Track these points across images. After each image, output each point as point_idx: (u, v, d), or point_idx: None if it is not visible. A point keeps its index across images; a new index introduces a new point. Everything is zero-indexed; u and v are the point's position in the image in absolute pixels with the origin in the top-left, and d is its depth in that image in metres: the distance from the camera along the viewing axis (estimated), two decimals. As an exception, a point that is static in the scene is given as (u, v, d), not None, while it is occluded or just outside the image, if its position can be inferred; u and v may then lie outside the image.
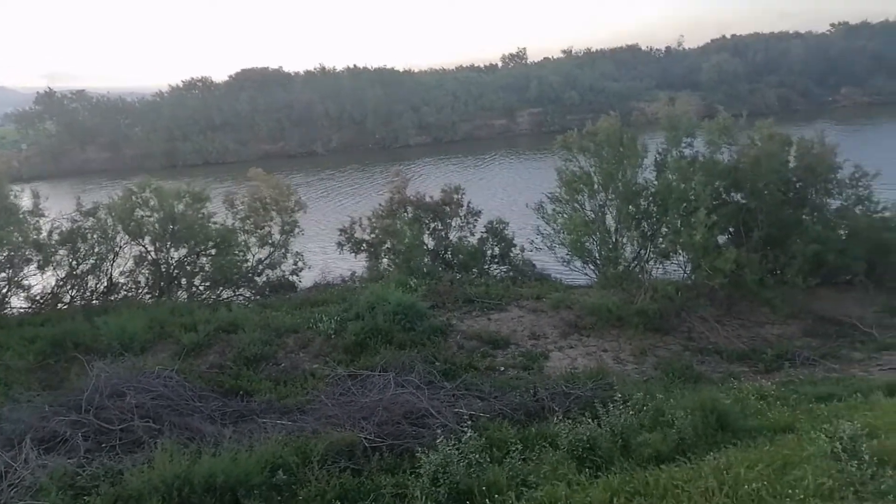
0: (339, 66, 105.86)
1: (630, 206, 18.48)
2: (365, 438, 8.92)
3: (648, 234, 18.79)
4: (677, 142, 18.79)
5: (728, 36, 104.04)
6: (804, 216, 18.88)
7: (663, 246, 18.41)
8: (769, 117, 20.52)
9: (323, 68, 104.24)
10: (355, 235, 23.72)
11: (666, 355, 15.38)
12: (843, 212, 19.43)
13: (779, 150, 18.55)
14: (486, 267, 23.30)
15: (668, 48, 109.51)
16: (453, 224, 23.94)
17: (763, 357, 15.02)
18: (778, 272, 17.89)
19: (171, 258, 20.74)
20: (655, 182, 18.71)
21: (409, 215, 23.55)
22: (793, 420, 9.12)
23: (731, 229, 19.14)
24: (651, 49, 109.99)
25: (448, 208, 23.88)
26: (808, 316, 17.93)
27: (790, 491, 6.24)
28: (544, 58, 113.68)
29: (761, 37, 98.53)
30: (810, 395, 10.96)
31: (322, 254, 29.91)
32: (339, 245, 23.87)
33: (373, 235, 23.44)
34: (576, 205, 19.13)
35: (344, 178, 65.86)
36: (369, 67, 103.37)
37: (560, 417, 9.43)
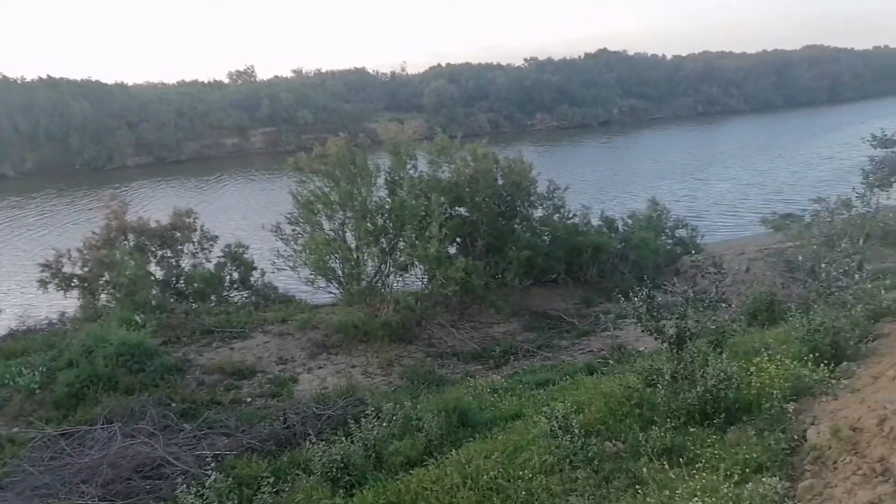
0: (30, 76, 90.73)
1: (368, 224, 19.08)
2: (86, 505, 7.71)
3: (387, 249, 19.59)
4: (402, 163, 19.97)
5: (444, 64, 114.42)
6: (516, 225, 21.50)
7: (402, 260, 19.35)
8: (483, 138, 22.99)
9: (5, 77, 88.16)
10: (63, 270, 20.44)
11: (411, 363, 16.16)
12: (545, 220, 22.62)
13: (491, 167, 20.86)
14: (226, 294, 21.98)
15: (393, 73, 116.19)
16: (185, 250, 22.12)
17: (493, 354, 16.65)
18: (499, 276, 20.05)
19: None
20: (389, 200, 19.63)
21: (131, 244, 21.14)
22: (520, 407, 10.26)
23: (458, 240, 20.97)
24: (377, 73, 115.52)
25: (179, 234, 22.00)
26: (526, 313, 20.42)
27: (521, 472, 7.01)
28: (275, 76, 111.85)
29: (472, 67, 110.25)
30: (532, 382, 12.46)
31: (18, 294, 25.25)
32: (43, 283, 20.33)
33: (86, 269, 20.46)
34: (315, 225, 19.12)
35: (35, 206, 55.89)
36: (70, 79, 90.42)
37: (313, 441, 9.26)
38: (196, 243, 22.13)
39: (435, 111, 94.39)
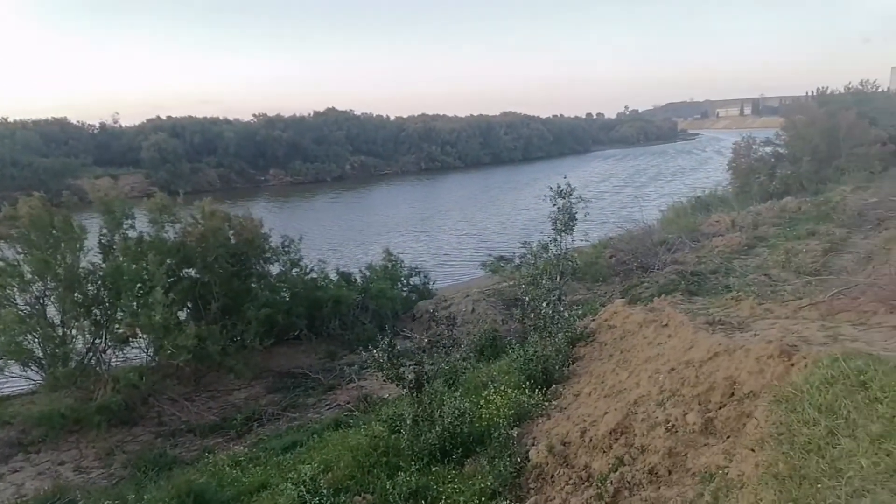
0: None
1: (76, 294, 16.63)
2: None
3: (102, 321, 17.24)
4: (118, 223, 18.00)
5: (164, 117, 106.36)
6: (253, 284, 20.68)
7: (121, 331, 17.20)
8: (213, 195, 21.86)
9: None
10: None
11: (137, 448, 14.28)
12: (284, 276, 22.18)
13: (221, 225, 19.89)
14: None
15: (102, 124, 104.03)
16: None
17: (234, 423, 15.56)
18: (238, 338, 18.98)
19: None
20: (104, 265, 17.42)
21: None
22: (266, 477, 9.71)
23: (189, 304, 19.41)
24: (84, 124, 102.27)
25: None
26: (269, 374, 19.59)
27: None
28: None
29: (196, 120, 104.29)
30: (278, 448, 11.91)
31: None
32: None
33: None
34: (4, 300, 16.03)
35: None
36: None
37: (5, 567, 7.56)
38: None
39: (156, 166, 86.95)
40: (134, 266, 17.00)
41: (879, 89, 50.02)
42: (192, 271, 19.64)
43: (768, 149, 40.53)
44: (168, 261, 18.00)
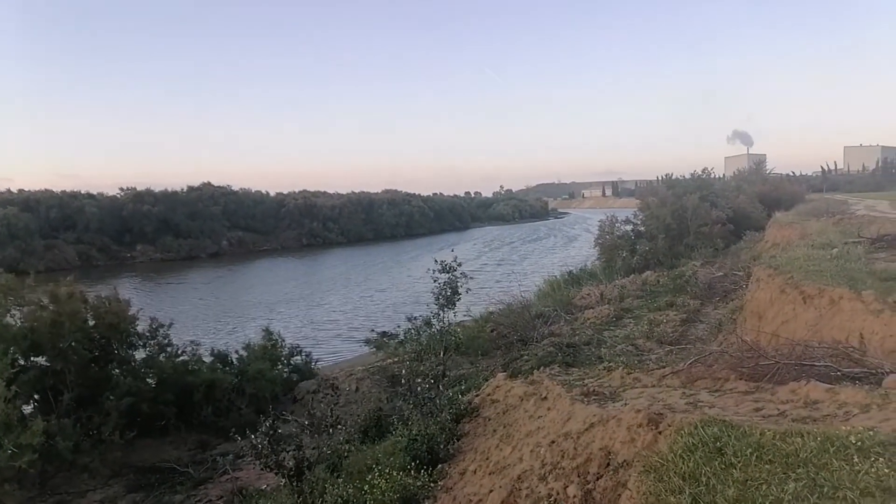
0: None
1: None
2: None
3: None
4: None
5: (14, 190, 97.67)
6: (114, 371, 19.01)
7: (-52, 432, 14.98)
8: (71, 273, 20.19)
9: None
10: None
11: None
12: (150, 361, 20.59)
13: (79, 308, 18.32)
14: None
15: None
16: None
17: (87, 531, 13.85)
18: (94, 432, 17.19)
19: None
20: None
21: None
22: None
23: (36, 396, 17.42)
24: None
25: None
26: (130, 470, 17.77)
27: None
28: None
29: (54, 195, 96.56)
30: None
31: None
32: None
33: None
34: None
35: None
36: None
37: None
38: None
39: (4, 243, 79.04)
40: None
41: (715, 176, 56.61)
42: (41, 359, 17.76)
43: (629, 227, 44.12)
44: (11, 349, 16.21)
